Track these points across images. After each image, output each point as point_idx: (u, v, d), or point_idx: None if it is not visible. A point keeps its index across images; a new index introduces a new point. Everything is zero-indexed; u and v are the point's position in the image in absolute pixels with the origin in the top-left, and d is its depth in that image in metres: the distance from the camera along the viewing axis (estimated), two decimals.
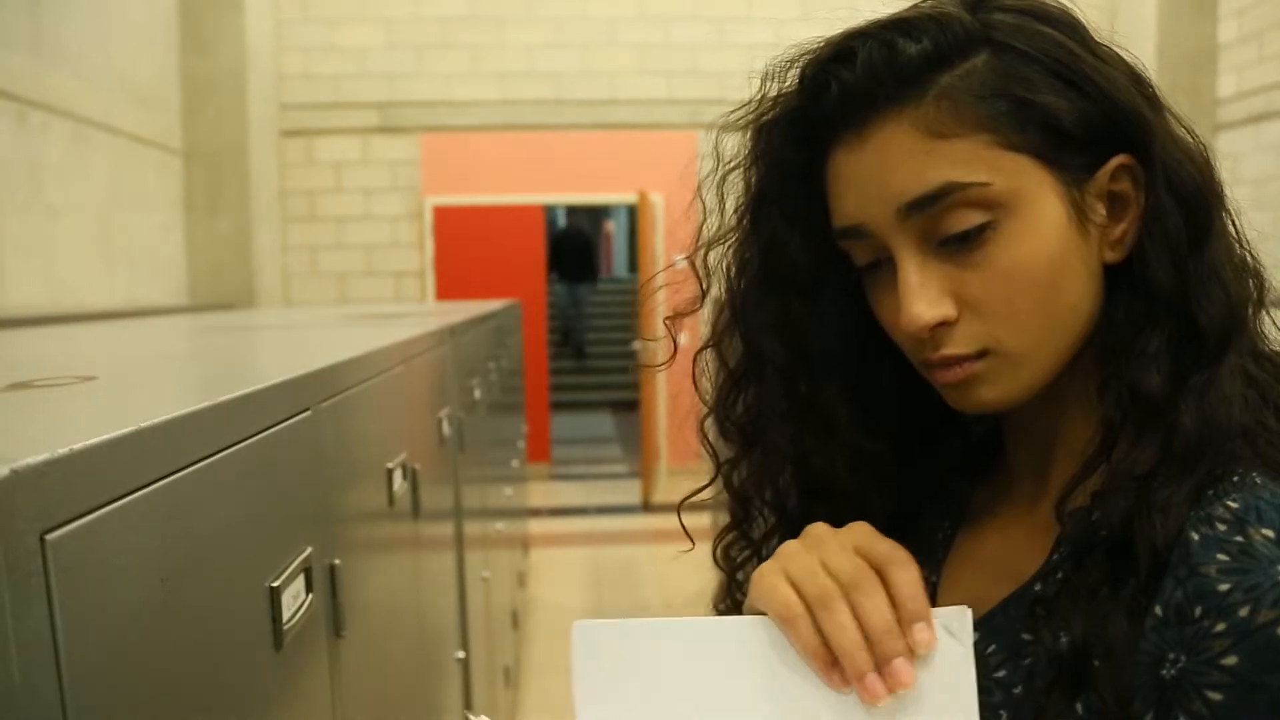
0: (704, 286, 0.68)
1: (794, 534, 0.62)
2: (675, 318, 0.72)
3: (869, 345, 0.64)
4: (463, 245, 6.60)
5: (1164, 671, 0.48)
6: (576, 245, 10.95)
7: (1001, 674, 0.57)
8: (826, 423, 0.65)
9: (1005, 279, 0.55)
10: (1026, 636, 0.56)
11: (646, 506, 6.18)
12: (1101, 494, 0.54)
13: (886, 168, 0.56)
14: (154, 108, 5.04)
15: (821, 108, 0.59)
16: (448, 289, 6.57)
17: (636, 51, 6.64)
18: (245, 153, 5.54)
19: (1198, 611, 0.48)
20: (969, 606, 0.52)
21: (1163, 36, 5.62)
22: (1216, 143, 5.76)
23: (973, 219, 0.55)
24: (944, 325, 0.57)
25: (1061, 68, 0.55)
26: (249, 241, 5.58)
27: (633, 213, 8.51)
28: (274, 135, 6.25)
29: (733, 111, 0.63)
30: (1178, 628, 0.48)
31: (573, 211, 12.75)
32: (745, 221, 0.66)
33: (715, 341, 0.69)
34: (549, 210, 9.15)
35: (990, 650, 0.58)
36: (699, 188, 0.67)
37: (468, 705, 1.86)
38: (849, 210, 0.59)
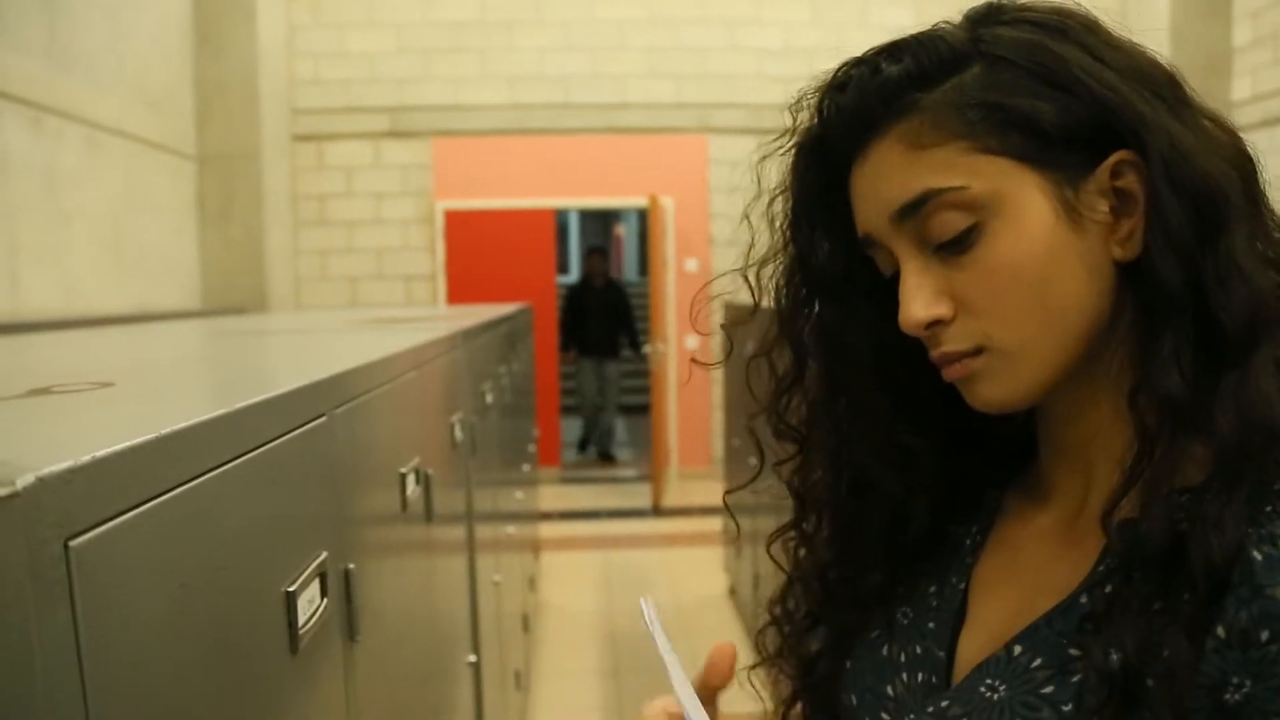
0: (756, 299, 0.72)
1: (845, 529, 0.71)
2: (732, 326, 0.77)
3: (907, 350, 0.66)
4: (473, 249, 6.61)
5: (1228, 696, 0.48)
6: (604, 303, 7.60)
7: (1049, 690, 0.56)
8: (869, 423, 0.68)
9: (992, 277, 0.57)
10: (1074, 652, 0.55)
11: (657, 510, 6.18)
12: (1147, 506, 0.53)
13: (880, 180, 0.60)
14: (167, 112, 5.07)
15: (832, 132, 0.63)
16: (458, 292, 6.58)
17: (646, 55, 6.65)
18: (257, 157, 5.56)
19: (1264, 635, 0.47)
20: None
21: (1176, 39, 5.58)
22: None
23: (958, 222, 0.57)
24: (940, 324, 0.59)
25: (1047, 72, 0.56)
26: (261, 246, 5.60)
27: (643, 216, 8.52)
28: (286, 140, 6.27)
29: (773, 140, 0.68)
30: (1242, 650, 0.47)
31: (589, 242, 11.20)
32: (786, 240, 0.70)
33: (767, 350, 0.72)
34: (560, 215, 9.12)
35: (1036, 664, 0.57)
36: (759, 197, 0.71)
37: (479, 711, 1.86)
38: (861, 222, 0.63)
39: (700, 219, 6.78)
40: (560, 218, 9.57)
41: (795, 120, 0.66)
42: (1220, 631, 0.48)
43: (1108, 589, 0.55)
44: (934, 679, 0.64)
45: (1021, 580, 0.63)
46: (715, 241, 6.77)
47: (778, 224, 0.69)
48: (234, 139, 5.50)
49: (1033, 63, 0.57)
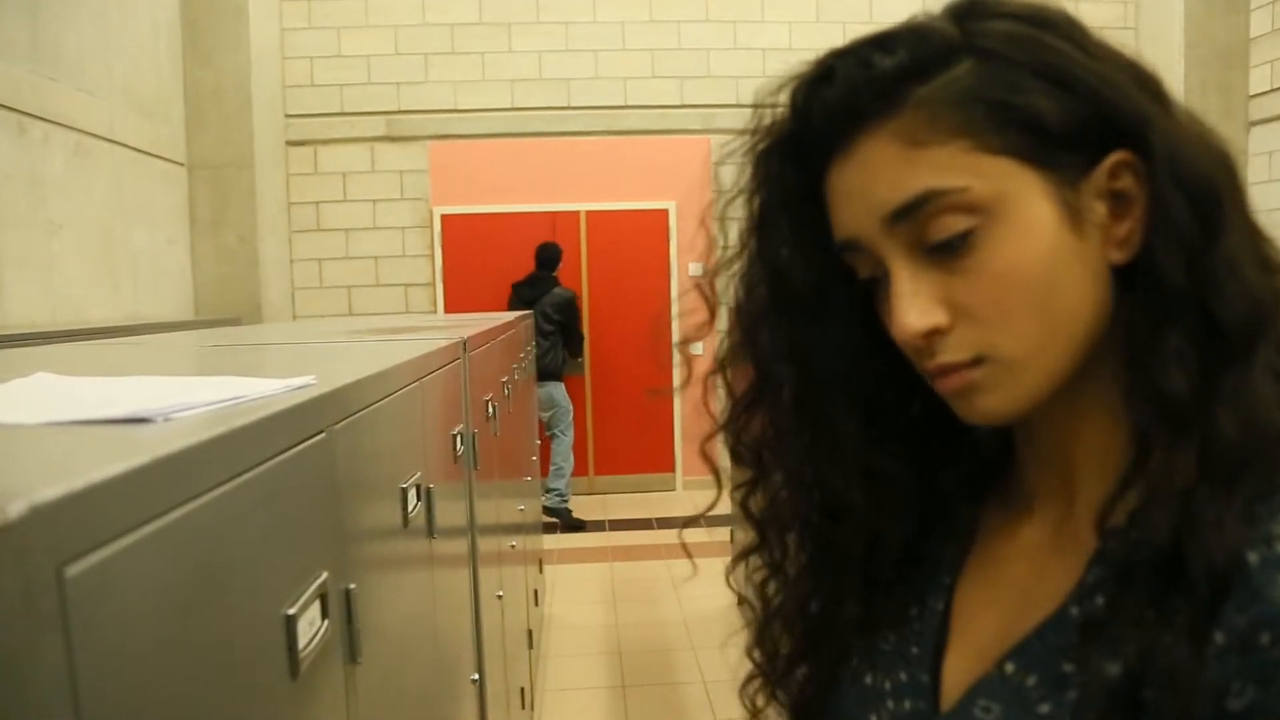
0: (712, 311, 0.69)
1: (821, 556, 0.67)
2: (685, 343, 0.74)
3: (878, 364, 0.64)
4: (472, 255, 6.59)
5: (1230, 703, 0.46)
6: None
7: (1046, 708, 0.54)
8: (838, 443, 0.65)
9: (995, 283, 0.55)
10: (1068, 668, 0.54)
11: (661, 520, 6.16)
12: (1142, 510, 0.52)
13: (871, 180, 0.57)
14: (157, 119, 5.04)
15: (811, 128, 0.60)
16: (457, 300, 6.56)
17: (647, 56, 6.65)
18: (250, 163, 5.54)
19: (1265, 639, 0.45)
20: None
21: (1191, 31, 5.53)
22: (1249, 139, 5.67)
23: (957, 225, 0.55)
24: (938, 333, 0.57)
25: (1046, 67, 0.54)
26: (255, 254, 5.58)
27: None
28: (279, 145, 6.25)
29: (729, 142, 0.65)
30: (1242, 655, 0.46)
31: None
32: (751, 246, 0.66)
33: (722, 365, 0.69)
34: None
35: (1031, 683, 0.56)
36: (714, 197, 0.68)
37: None
38: (843, 224, 0.60)
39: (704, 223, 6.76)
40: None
41: (759, 118, 0.63)
42: (1219, 637, 0.47)
43: (1099, 599, 0.54)
44: (922, 705, 0.63)
45: (1007, 596, 0.62)
46: (719, 245, 6.76)
47: (738, 229, 0.67)
48: (226, 144, 5.47)
49: (1031, 59, 0.55)
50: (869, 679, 0.66)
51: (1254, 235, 0.56)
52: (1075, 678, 0.53)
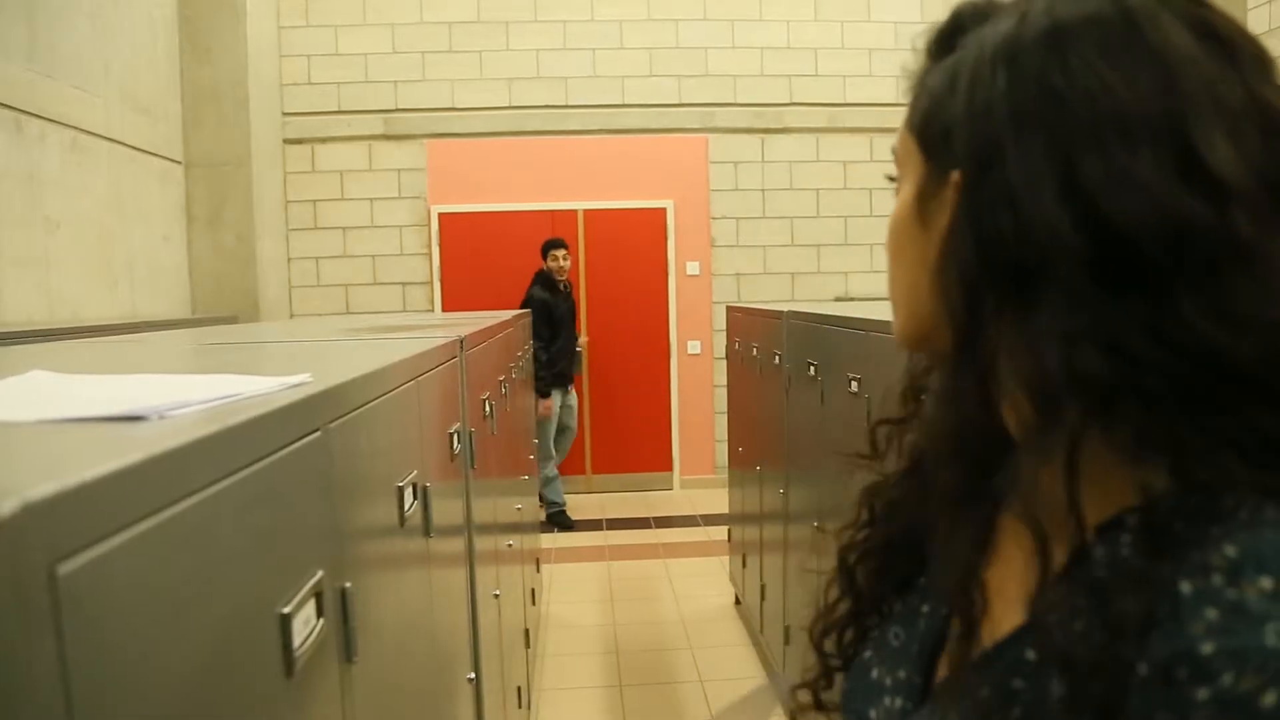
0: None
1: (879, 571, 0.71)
2: (883, 423, 0.75)
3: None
4: (470, 254, 6.58)
5: None
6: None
7: None
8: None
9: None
10: (1019, 684, 0.52)
11: (659, 519, 6.16)
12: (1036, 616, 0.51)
13: None
14: (154, 117, 5.03)
15: None
16: (455, 298, 6.56)
17: (645, 54, 6.64)
18: (247, 161, 5.53)
19: (1182, 674, 0.44)
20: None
21: None
22: None
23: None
24: None
25: (960, 66, 0.57)
26: (252, 252, 5.57)
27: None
28: (277, 144, 6.25)
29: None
30: (1163, 689, 0.44)
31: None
32: None
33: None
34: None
35: (983, 694, 0.54)
36: None
37: None
38: None
39: (702, 220, 6.78)
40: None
41: None
42: (1143, 668, 0.45)
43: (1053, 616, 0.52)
44: (909, 705, 0.63)
45: (996, 600, 0.60)
46: (716, 243, 6.77)
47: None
48: (223, 143, 5.47)
49: (961, 58, 0.60)
50: (875, 673, 0.67)
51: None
52: (1023, 695, 0.52)
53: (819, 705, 0.74)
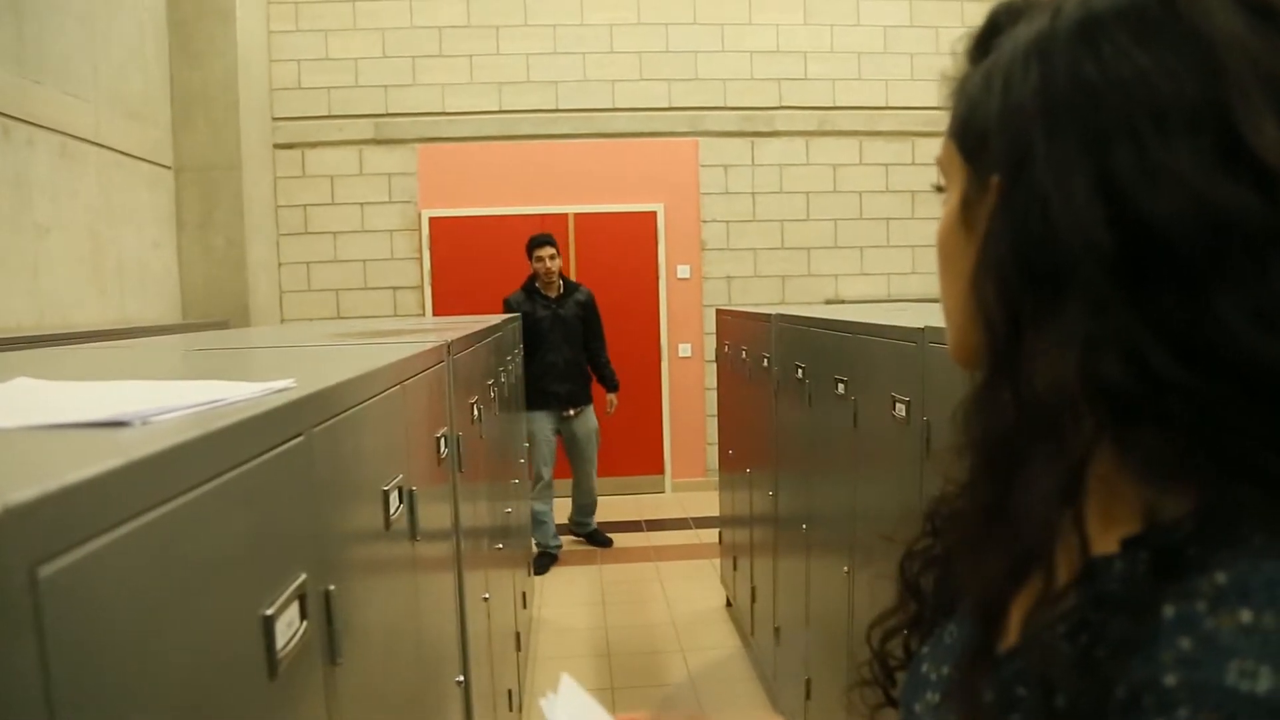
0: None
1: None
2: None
3: None
4: (461, 258, 6.57)
5: None
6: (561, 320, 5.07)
7: None
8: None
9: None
10: (1021, 691, 0.51)
11: (651, 522, 6.16)
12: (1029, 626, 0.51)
13: None
14: (144, 121, 5.02)
15: None
16: (445, 303, 6.55)
17: (635, 58, 6.64)
18: (238, 166, 5.52)
19: (1147, 702, 0.43)
20: None
21: None
22: None
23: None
24: None
25: (995, 67, 0.55)
26: (242, 257, 5.56)
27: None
28: (267, 148, 6.24)
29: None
30: (1134, 714, 0.44)
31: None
32: None
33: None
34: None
35: (989, 700, 0.53)
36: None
37: None
38: None
39: (692, 224, 6.79)
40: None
41: None
42: (1121, 691, 0.44)
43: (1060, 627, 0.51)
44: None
45: (1016, 608, 0.62)
46: (707, 247, 6.78)
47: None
48: (213, 147, 5.46)
49: (997, 58, 0.59)
50: (925, 667, 0.67)
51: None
52: (1025, 703, 0.51)
53: (890, 701, 0.74)
